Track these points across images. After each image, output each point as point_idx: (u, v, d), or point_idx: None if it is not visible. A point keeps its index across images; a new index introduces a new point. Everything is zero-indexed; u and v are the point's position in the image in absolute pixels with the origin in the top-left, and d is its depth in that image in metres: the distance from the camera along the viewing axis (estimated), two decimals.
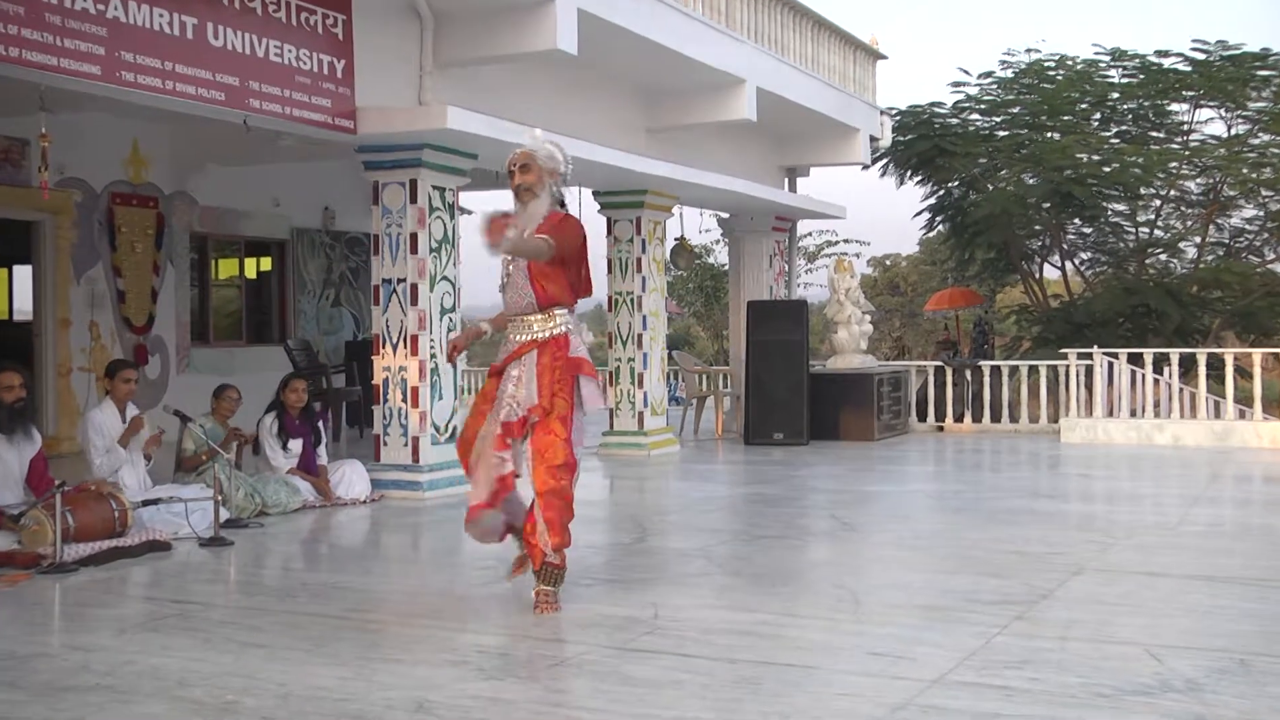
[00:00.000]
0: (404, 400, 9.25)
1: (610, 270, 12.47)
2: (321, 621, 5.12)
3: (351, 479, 8.89)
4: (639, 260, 12.34)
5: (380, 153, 9.18)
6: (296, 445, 8.72)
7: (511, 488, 5.35)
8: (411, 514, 8.37)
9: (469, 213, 16.65)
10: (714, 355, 31.47)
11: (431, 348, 9.28)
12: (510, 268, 5.36)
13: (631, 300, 12.38)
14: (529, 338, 5.33)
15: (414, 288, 9.21)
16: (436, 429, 9.36)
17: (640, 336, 12.37)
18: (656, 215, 12.57)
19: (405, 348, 9.24)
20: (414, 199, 9.21)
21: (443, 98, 9.26)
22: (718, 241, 27.73)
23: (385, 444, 9.33)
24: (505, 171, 5.47)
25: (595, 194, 12.45)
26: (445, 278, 9.46)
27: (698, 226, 21.92)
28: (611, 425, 12.48)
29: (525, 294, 5.33)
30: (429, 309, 9.27)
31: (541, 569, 5.28)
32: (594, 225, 14.63)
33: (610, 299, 12.50)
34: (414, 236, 9.20)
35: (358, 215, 15.14)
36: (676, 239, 14.85)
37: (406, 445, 9.25)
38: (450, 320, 9.52)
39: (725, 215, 15.36)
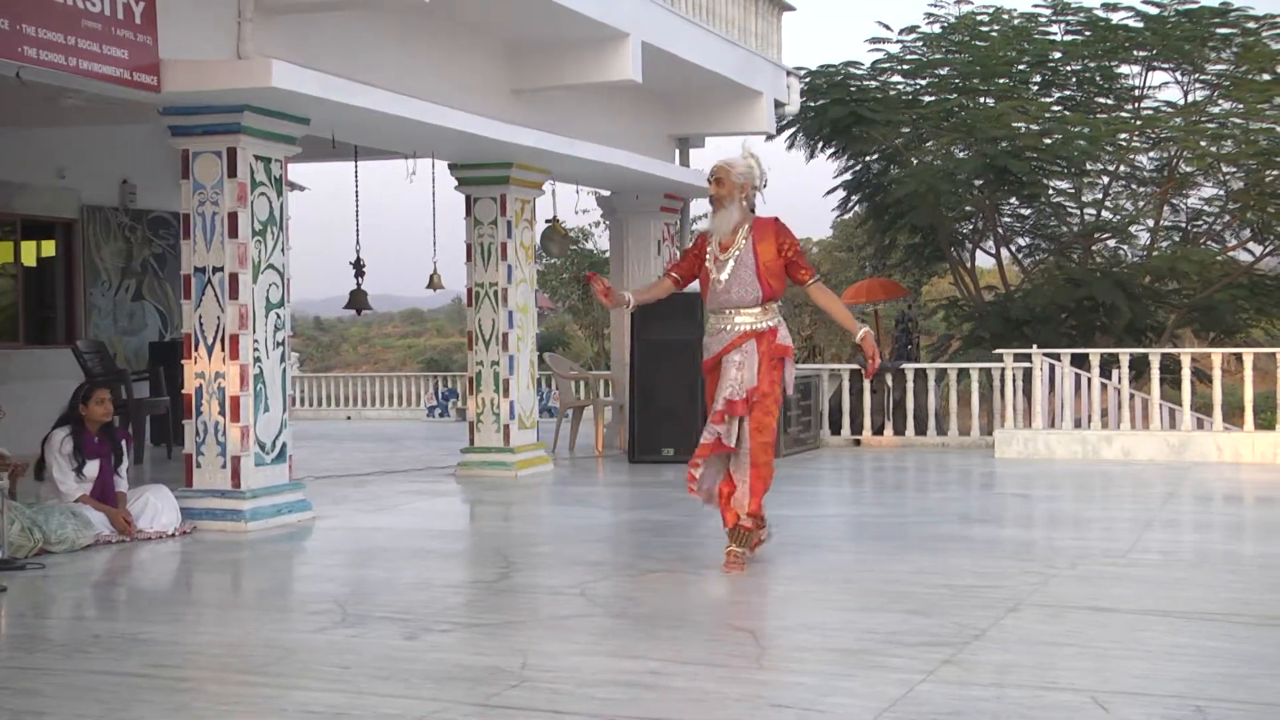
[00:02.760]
0: (221, 413, 9.11)
1: (469, 258, 12.43)
2: (118, 682, 5.02)
3: (157, 508, 8.73)
4: (504, 246, 12.31)
5: (190, 115, 9.03)
6: (93, 468, 8.54)
7: (724, 449, 7.21)
8: (230, 549, 8.24)
9: (301, 189, 16.50)
10: (593, 358, 31.53)
11: (255, 350, 9.16)
12: (731, 264, 7.14)
13: (495, 293, 12.34)
14: (748, 328, 7.18)
15: (233, 278, 9.08)
16: (262, 447, 9.23)
17: (506, 336, 12.34)
18: (525, 193, 12.56)
19: (223, 350, 9.10)
20: (232, 172, 9.07)
21: (267, 50, 9.14)
22: (597, 224, 27.90)
23: (198, 466, 9.18)
24: None
25: (451, 167, 12.40)
26: (271, 266, 9.34)
27: (574, 206, 21.88)
28: (472, 441, 12.43)
29: (752, 290, 7.15)
30: (251, 303, 9.14)
31: (735, 529, 7.23)
32: (449, 203, 14.57)
33: (470, 292, 12.46)
34: (233, 217, 9.07)
35: (164, 191, 14.86)
36: (548, 221, 14.86)
37: (225, 467, 9.12)
38: (278, 317, 9.41)
39: (606, 193, 15.41)
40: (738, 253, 7.18)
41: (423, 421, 23.13)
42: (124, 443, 8.90)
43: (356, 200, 14.47)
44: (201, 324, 9.16)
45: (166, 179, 14.38)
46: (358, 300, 14.19)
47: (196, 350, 9.18)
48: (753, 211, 7.35)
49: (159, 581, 7.55)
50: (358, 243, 14.52)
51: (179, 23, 8.71)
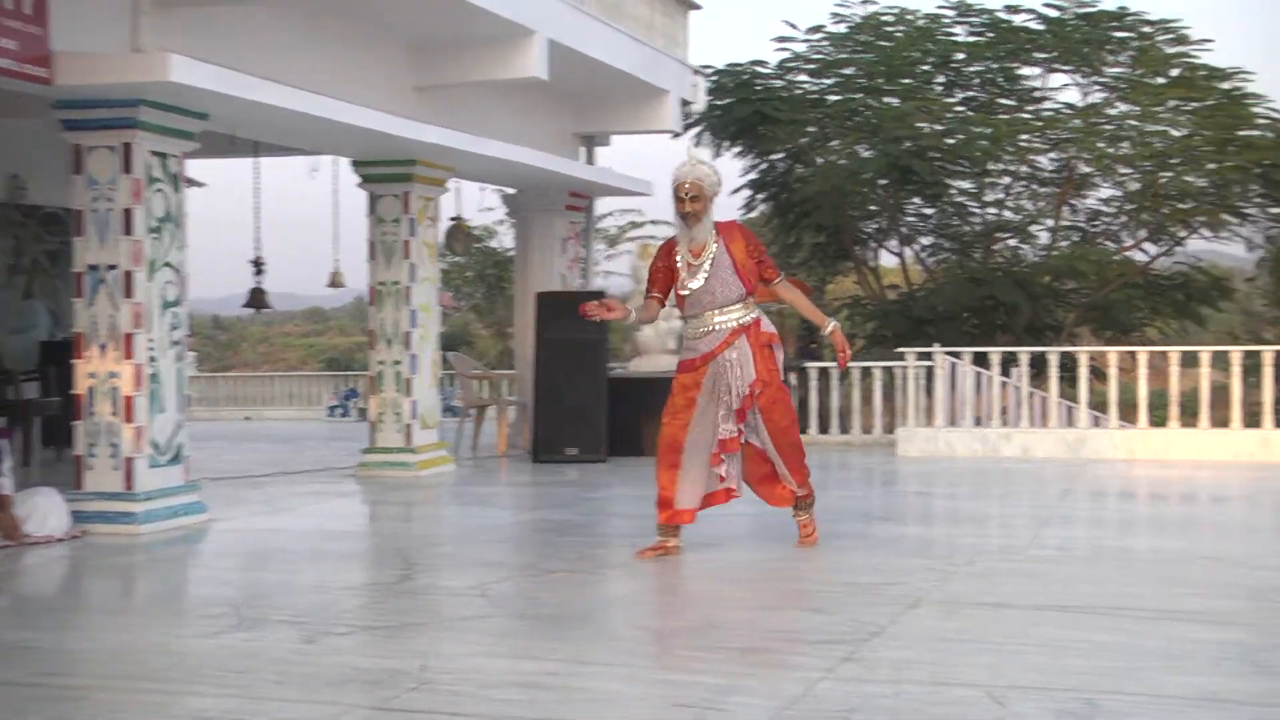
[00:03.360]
0: (114, 414, 8.97)
1: (372, 256, 12.35)
2: (2, 691, 4.93)
3: (45, 511, 8.56)
4: (406, 244, 12.24)
5: (84, 109, 8.88)
6: None
7: (719, 501, 7.79)
8: (122, 553, 8.12)
9: (200, 185, 16.28)
10: (497, 357, 31.42)
11: (150, 349, 9.02)
12: (706, 271, 7.50)
13: (398, 292, 12.27)
14: (736, 324, 7.55)
15: (128, 276, 8.94)
16: (156, 448, 9.10)
17: (408, 335, 12.27)
18: (428, 190, 12.50)
19: (117, 350, 8.96)
20: (128, 167, 8.93)
21: (164, 44, 9.00)
22: (502, 222, 27.74)
23: (90, 468, 9.03)
24: (674, 194, 7.53)
25: (354, 164, 12.31)
26: (168, 264, 9.21)
27: (478, 204, 21.84)
28: (373, 441, 12.35)
29: (735, 288, 7.54)
30: (148, 302, 9.01)
31: (797, 504, 7.90)
32: (352, 201, 14.45)
33: (372, 290, 12.37)
34: (128, 213, 8.93)
35: (55, 186, 14.55)
36: (452, 219, 14.81)
37: (117, 469, 8.97)
38: (175, 315, 9.28)
39: (511, 191, 15.37)
40: (712, 256, 7.54)
41: (323, 422, 22.94)
42: (6, 443, 8.72)
43: (256, 197, 14.32)
44: (95, 323, 9.01)
45: (58, 174, 14.10)
46: (257, 299, 14.04)
47: (89, 350, 9.02)
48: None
49: (46, 587, 7.42)
50: (257, 240, 14.37)
51: (72, 14, 8.55)
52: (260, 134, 11.32)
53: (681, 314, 7.81)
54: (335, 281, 14.73)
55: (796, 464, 7.79)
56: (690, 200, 7.50)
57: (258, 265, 14.08)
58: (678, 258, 7.63)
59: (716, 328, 7.58)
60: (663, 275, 7.70)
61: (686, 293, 7.59)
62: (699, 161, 7.66)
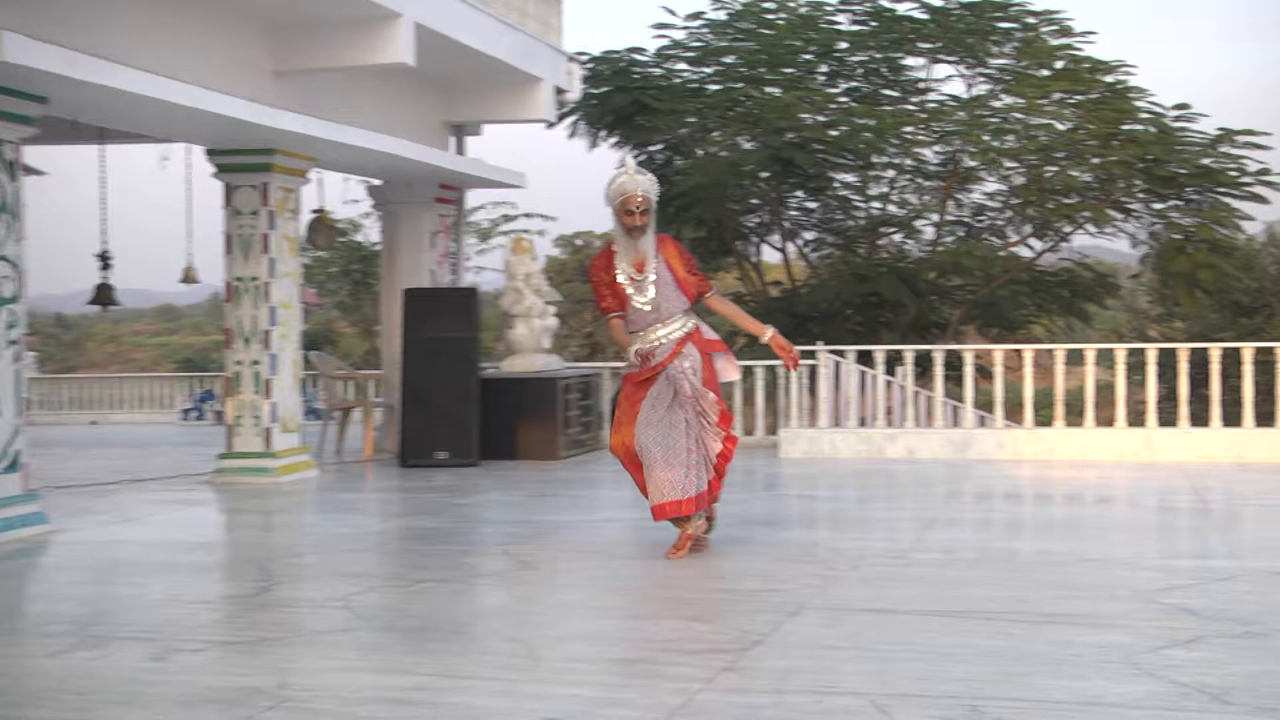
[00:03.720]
0: None
1: (229, 250, 12.18)
2: None
3: None
4: (265, 238, 12.09)
5: None
6: None
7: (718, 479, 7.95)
8: None
9: (40, 174, 15.89)
10: (362, 357, 31.17)
11: None
12: (652, 286, 7.72)
13: (256, 288, 12.11)
14: (683, 333, 7.80)
15: None
16: None
17: (268, 334, 12.12)
18: (288, 181, 12.35)
19: None
20: None
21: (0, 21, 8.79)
22: (368, 215, 27.57)
23: None
24: (618, 204, 7.70)
25: (209, 153, 12.13)
26: (4, 258, 8.99)
27: (342, 196, 21.67)
28: (230, 446, 12.18)
29: (679, 301, 7.80)
30: None
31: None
32: (206, 192, 14.24)
33: (228, 286, 12.20)
34: None
35: None
36: (315, 211, 14.63)
37: None
38: (12, 313, 9.05)
39: (377, 182, 15.23)
40: (655, 271, 7.75)
41: (177, 426, 22.55)
42: None
43: (103, 187, 14.03)
44: None
45: None
46: (104, 295, 13.76)
47: None
48: None
49: None
50: (104, 233, 14.08)
51: None
52: (106, 120, 11.08)
53: (630, 327, 7.92)
54: (189, 277, 14.49)
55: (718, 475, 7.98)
56: (641, 213, 7.68)
57: (104, 259, 13.81)
58: (618, 273, 7.78)
59: (664, 340, 7.79)
60: (612, 290, 7.82)
61: (635, 310, 7.77)
62: (639, 171, 7.79)
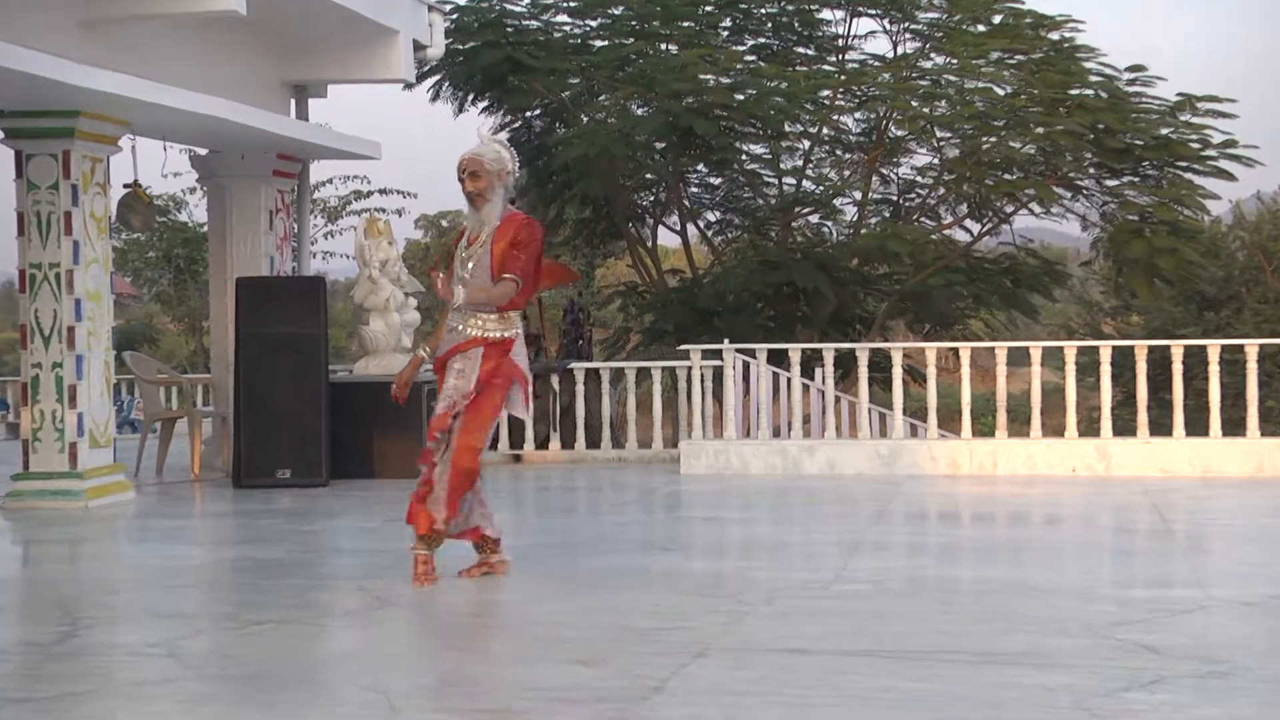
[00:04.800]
0: None
1: (22, 231, 11.98)
2: None
3: None
4: (68, 216, 11.91)
5: None
6: None
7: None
8: None
9: None
10: (188, 358, 30.82)
11: None
12: (471, 264, 7.78)
13: (57, 277, 11.92)
14: (479, 333, 7.80)
15: None
16: None
17: (72, 331, 11.94)
18: (95, 149, 12.18)
19: None
20: None
21: None
22: (193, 190, 27.20)
23: None
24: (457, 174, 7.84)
25: None
26: None
27: (161, 168, 21.21)
28: (27, 465, 11.97)
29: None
30: None
31: (429, 535, 7.84)
32: None
33: (22, 275, 12.00)
34: None
35: None
36: (128, 186, 14.41)
37: None
38: None
39: (203, 152, 15.07)
40: (476, 256, 7.87)
41: None
42: None
43: None
44: None
45: None
46: None
47: None
48: (512, 203, 8.12)
49: None
50: None
51: None
52: None
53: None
54: None
55: (456, 498, 7.87)
56: (470, 178, 7.80)
57: None
58: (458, 245, 8.00)
59: (461, 329, 7.86)
60: (448, 266, 8.03)
61: (455, 287, 7.86)
62: (488, 139, 7.96)
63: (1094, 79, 19.51)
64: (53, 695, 5.74)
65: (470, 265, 7.85)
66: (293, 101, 15.72)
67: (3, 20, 10.85)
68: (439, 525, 7.84)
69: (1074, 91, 19.14)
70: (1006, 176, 19.66)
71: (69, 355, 11.95)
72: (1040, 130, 18.87)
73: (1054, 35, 19.90)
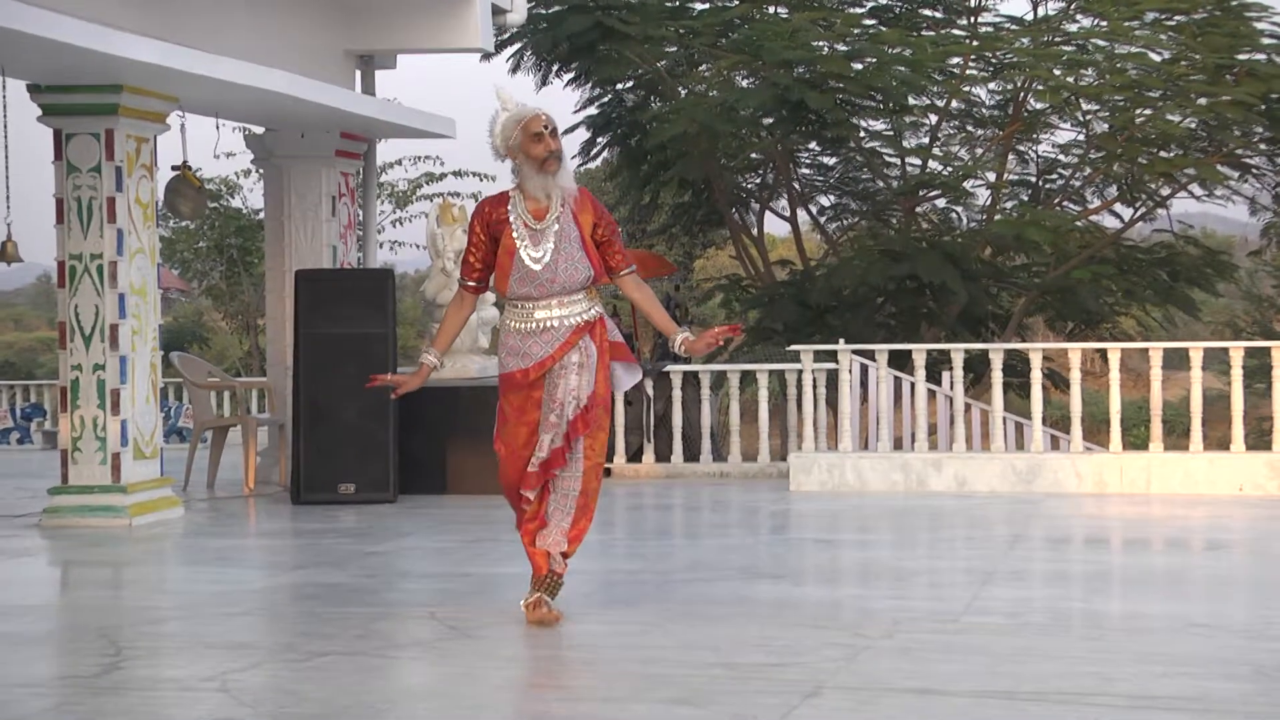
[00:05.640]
0: None
1: (61, 219, 12.12)
2: None
3: None
4: (111, 202, 12.04)
5: None
6: None
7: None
8: None
9: None
10: (242, 360, 31.08)
11: None
12: (549, 242, 7.42)
13: (99, 269, 12.06)
14: (580, 319, 7.52)
15: None
16: None
17: (114, 329, 12.07)
18: (141, 127, 12.31)
19: None
20: None
21: None
22: (248, 173, 27.46)
23: None
24: (520, 136, 7.44)
25: (32, 90, 12.06)
26: None
27: (213, 147, 21.38)
28: (66, 477, 12.11)
29: (582, 268, 7.49)
30: None
31: (548, 577, 7.71)
32: (31, 140, 14.17)
33: (61, 267, 12.14)
34: None
35: None
36: (176, 168, 14.57)
37: None
38: None
39: (259, 131, 15.20)
40: (559, 224, 7.48)
41: None
42: None
43: None
44: None
45: None
46: None
47: None
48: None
49: None
50: None
51: None
52: None
53: (505, 298, 7.66)
54: (7, 254, 14.39)
55: (585, 531, 7.80)
56: (552, 135, 7.45)
57: None
58: (510, 216, 7.53)
59: (555, 324, 7.52)
60: (483, 249, 7.60)
61: (523, 270, 7.47)
62: (513, 100, 7.63)
63: (1266, 41, 19.27)
64: None
65: (548, 244, 7.46)
66: (358, 73, 15.83)
67: None
68: (557, 565, 7.72)
69: (1242, 56, 18.93)
70: (1163, 154, 19.49)
71: (112, 356, 12.07)
72: (1203, 101, 18.68)
73: None
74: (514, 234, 7.46)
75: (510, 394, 7.60)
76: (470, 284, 7.68)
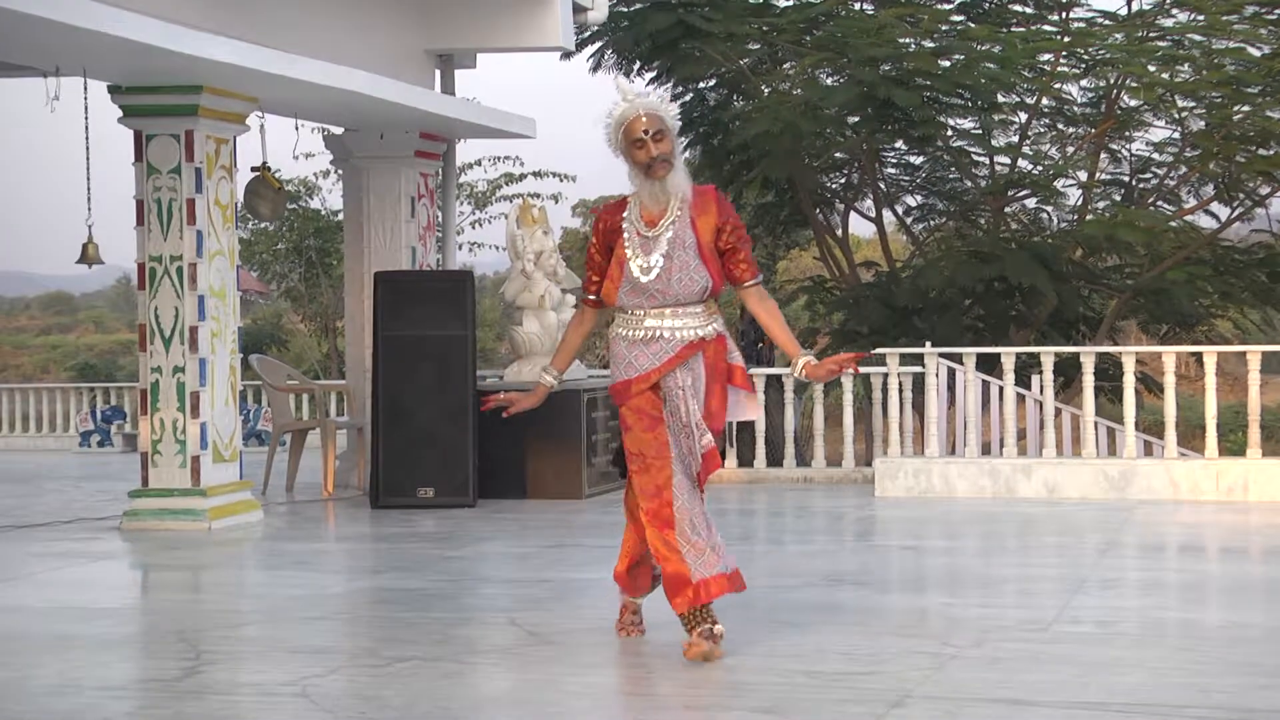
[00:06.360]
0: None
1: (141, 220, 12.22)
2: None
3: None
4: (190, 204, 12.13)
5: None
6: None
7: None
8: None
9: None
10: (321, 363, 31.26)
11: None
12: (660, 252, 7.01)
13: (179, 271, 12.16)
14: (693, 335, 7.10)
15: None
16: None
17: (194, 331, 12.16)
18: (220, 128, 12.40)
19: None
20: None
21: None
22: (326, 174, 27.64)
23: None
24: (623, 141, 7.09)
25: (113, 91, 12.17)
26: None
27: (292, 148, 21.50)
28: (146, 481, 12.21)
29: (700, 278, 7.05)
30: None
31: (703, 610, 7.07)
32: (111, 142, 14.30)
33: (141, 269, 12.25)
34: None
35: None
36: (255, 169, 14.68)
37: None
38: None
39: (339, 131, 15.28)
40: (673, 230, 7.07)
41: (74, 453, 22.66)
42: None
43: None
44: None
45: None
46: None
47: None
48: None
49: None
50: None
51: None
52: None
53: (616, 306, 7.29)
54: (88, 256, 14.55)
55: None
56: (654, 140, 7.02)
57: None
58: (624, 224, 7.16)
59: (666, 334, 7.11)
60: (601, 257, 7.26)
61: (632, 281, 7.10)
62: (640, 93, 7.25)
63: None
64: None
65: (659, 253, 7.03)
66: (437, 73, 15.89)
67: None
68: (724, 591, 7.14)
69: None
70: (1262, 152, 19.25)
71: (191, 359, 12.17)
72: None
73: None
74: (626, 242, 7.11)
75: (633, 400, 7.13)
76: (590, 298, 7.31)
